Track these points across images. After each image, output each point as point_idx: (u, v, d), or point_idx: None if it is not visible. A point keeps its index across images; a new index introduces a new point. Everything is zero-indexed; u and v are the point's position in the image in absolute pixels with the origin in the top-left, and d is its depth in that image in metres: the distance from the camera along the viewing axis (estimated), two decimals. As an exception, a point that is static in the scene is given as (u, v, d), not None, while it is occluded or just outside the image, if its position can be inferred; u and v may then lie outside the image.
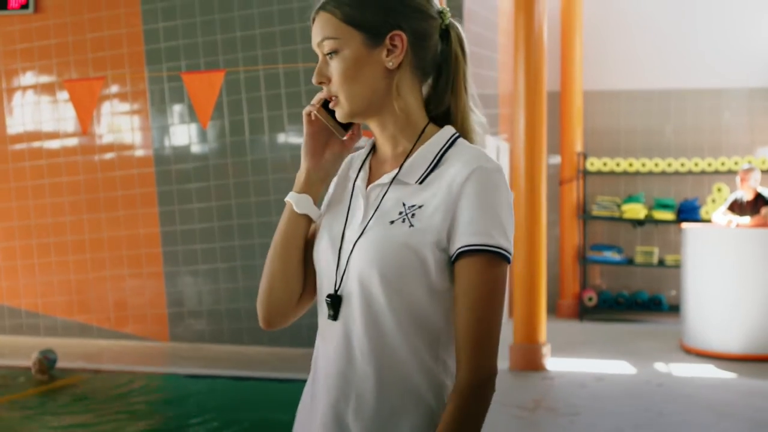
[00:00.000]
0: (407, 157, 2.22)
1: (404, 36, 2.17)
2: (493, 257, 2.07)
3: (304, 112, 2.31)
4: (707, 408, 8.15)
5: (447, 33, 2.23)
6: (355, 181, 2.30)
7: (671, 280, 13.30)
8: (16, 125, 11.61)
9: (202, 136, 11.00)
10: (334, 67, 2.20)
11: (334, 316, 2.20)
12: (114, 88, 11.23)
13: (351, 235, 2.20)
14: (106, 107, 11.29)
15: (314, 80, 2.23)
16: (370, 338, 2.14)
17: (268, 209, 10.74)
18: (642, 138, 13.64)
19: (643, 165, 13.17)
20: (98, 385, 9.16)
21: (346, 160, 2.41)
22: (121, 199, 11.21)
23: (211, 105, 8.13)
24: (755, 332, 10.20)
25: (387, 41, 2.17)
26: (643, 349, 10.90)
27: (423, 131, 2.24)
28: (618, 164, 13.26)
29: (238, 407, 8.45)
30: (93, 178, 11.32)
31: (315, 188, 2.34)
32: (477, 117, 2.27)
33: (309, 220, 2.34)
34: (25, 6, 11.30)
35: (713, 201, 12.74)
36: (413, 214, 2.13)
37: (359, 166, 2.34)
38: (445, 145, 2.19)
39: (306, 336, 10.45)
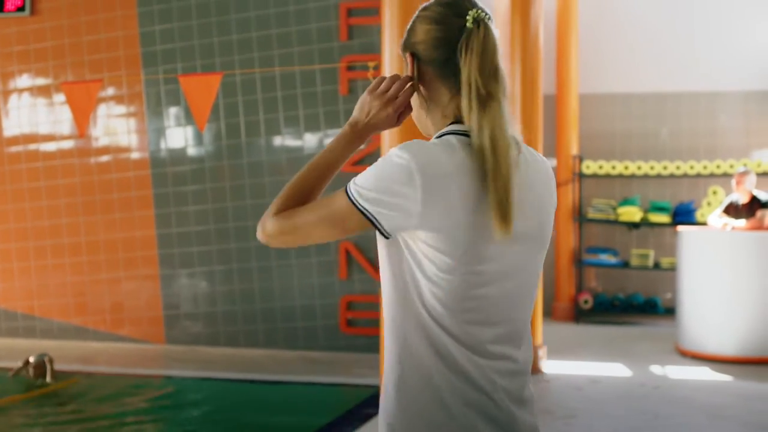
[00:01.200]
0: None
1: (410, 58, 2.49)
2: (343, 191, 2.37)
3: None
4: (703, 411, 8.17)
5: (470, 30, 2.37)
6: None
7: (667, 283, 13.32)
8: (12, 127, 11.62)
9: (198, 139, 11.01)
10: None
11: None
12: (110, 91, 11.24)
13: None
14: (102, 110, 11.30)
15: None
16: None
17: (265, 211, 10.73)
18: (637, 141, 13.66)
19: (639, 168, 13.19)
20: (94, 388, 9.16)
21: None
22: (118, 201, 11.22)
23: (208, 107, 8.14)
24: (751, 335, 10.22)
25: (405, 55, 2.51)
26: (638, 352, 10.92)
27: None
28: (614, 167, 13.28)
29: (234, 409, 8.46)
30: (89, 180, 11.32)
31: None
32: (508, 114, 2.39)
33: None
34: (21, 8, 11.30)
35: (708, 204, 12.76)
36: None
37: None
38: None
39: (302, 339, 10.48)
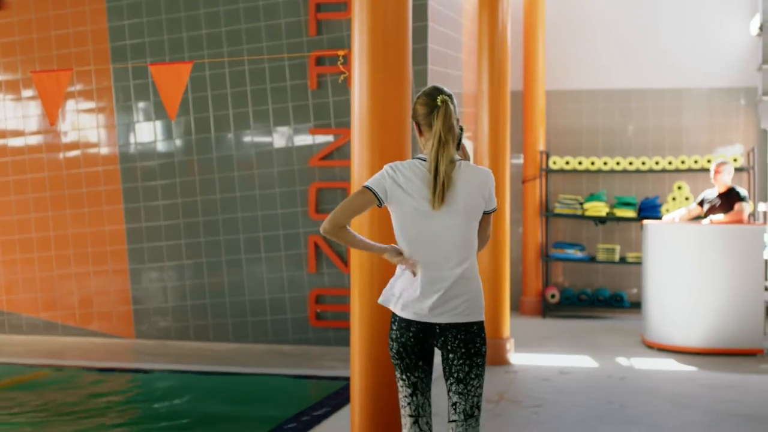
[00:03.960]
0: None
1: (415, 124, 4.46)
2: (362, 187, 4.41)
3: None
4: (669, 400, 8.28)
5: (436, 107, 4.36)
6: None
7: (633, 278, 13.46)
8: (-20, 122, 11.58)
9: (168, 133, 11.02)
10: None
11: None
12: (79, 86, 11.23)
13: None
14: (71, 105, 11.29)
15: None
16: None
17: (234, 206, 10.79)
18: (604, 137, 13.80)
19: (605, 163, 13.31)
20: (62, 381, 9.16)
21: None
22: (87, 196, 11.22)
23: (178, 96, 8.16)
24: (715, 326, 10.35)
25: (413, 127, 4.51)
26: (605, 344, 11.04)
27: None
28: (580, 163, 13.40)
29: (203, 400, 8.48)
30: (58, 175, 11.31)
31: None
32: (453, 149, 4.33)
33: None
34: (-11, 3, 11.27)
35: (673, 199, 12.90)
36: None
37: None
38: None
39: (271, 332, 10.52)
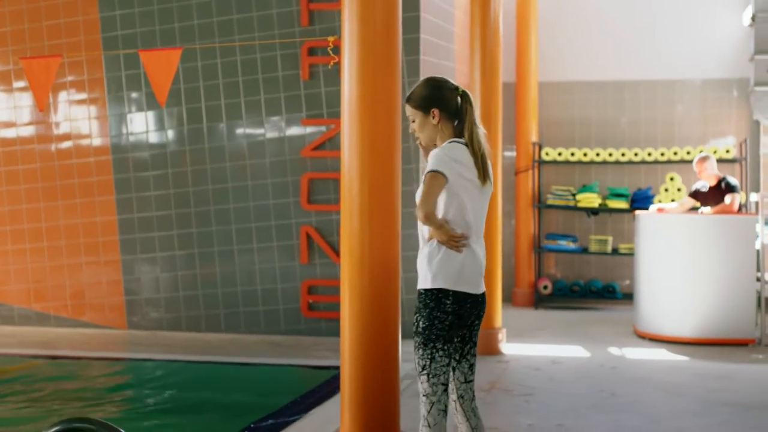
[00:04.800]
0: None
1: (437, 110, 4.72)
2: (426, 174, 4.58)
3: (418, 142, 4.84)
4: (660, 389, 8.29)
5: (462, 97, 4.75)
6: None
7: (625, 269, 13.48)
8: (-29, 113, 11.56)
9: (160, 124, 11.01)
10: (415, 126, 4.77)
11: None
12: (71, 77, 11.21)
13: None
14: (63, 95, 11.27)
15: (412, 132, 4.80)
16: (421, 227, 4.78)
17: (226, 196, 10.78)
18: (596, 128, 13.81)
19: (597, 155, 13.32)
20: (54, 370, 9.17)
21: None
22: (78, 186, 11.20)
23: (168, 83, 8.12)
24: (707, 316, 10.37)
25: (430, 113, 4.72)
26: (597, 335, 11.06)
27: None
28: (572, 154, 13.41)
29: (195, 389, 8.49)
30: (50, 166, 11.30)
31: None
32: (482, 132, 4.72)
33: None
34: (-20, -7, 11.25)
35: (666, 190, 12.91)
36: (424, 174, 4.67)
37: None
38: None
39: (263, 323, 10.53)
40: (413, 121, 4.77)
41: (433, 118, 4.71)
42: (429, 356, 4.59)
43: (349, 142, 5.98)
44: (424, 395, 4.61)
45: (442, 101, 4.72)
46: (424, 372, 4.60)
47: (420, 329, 4.59)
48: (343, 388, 6.01)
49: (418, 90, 4.78)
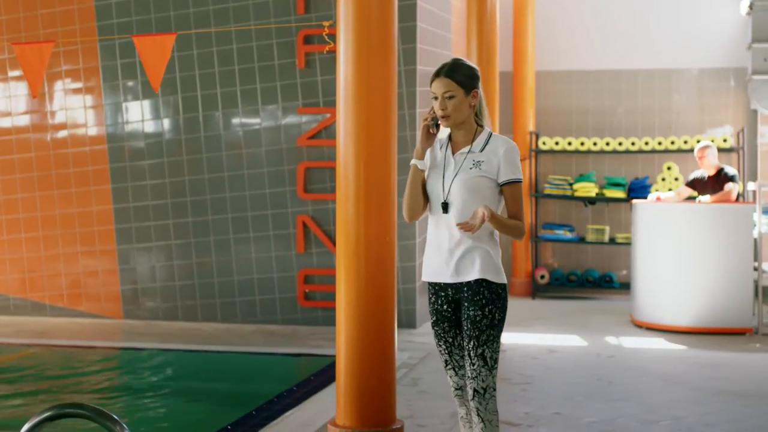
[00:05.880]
0: (473, 141, 4.64)
1: (478, 91, 4.65)
2: (517, 182, 4.58)
3: (424, 125, 4.65)
4: (657, 377, 8.28)
5: None
6: (445, 152, 4.67)
7: (622, 258, 13.45)
8: (-34, 102, 11.52)
9: (156, 113, 10.97)
10: (451, 103, 4.57)
11: (445, 211, 4.59)
12: (66, 66, 11.17)
13: (449, 174, 4.61)
14: (59, 84, 11.23)
15: (441, 111, 4.57)
16: (461, 219, 4.51)
17: (222, 185, 10.75)
18: (593, 117, 13.77)
19: (595, 144, 13.29)
20: (49, 360, 9.16)
21: (435, 143, 4.74)
22: (74, 176, 11.17)
23: (162, 68, 8.06)
24: (704, 305, 10.35)
25: (471, 93, 4.61)
26: (594, 324, 11.04)
27: (476, 130, 4.69)
28: (569, 143, 13.38)
29: (191, 378, 8.48)
30: (45, 155, 11.26)
31: (423, 156, 4.69)
32: (488, 120, 4.71)
33: (422, 171, 4.68)
34: (-25, -18, 11.19)
35: (663, 179, 12.88)
36: (479, 165, 4.58)
37: (444, 146, 4.70)
38: (489, 135, 4.66)
39: (259, 312, 10.50)
40: (449, 98, 4.56)
41: (474, 98, 4.59)
42: (498, 350, 4.64)
43: (344, 131, 5.96)
44: (492, 389, 4.60)
45: (480, 84, 4.66)
46: (496, 366, 4.61)
47: (496, 321, 4.59)
48: (339, 378, 5.99)
49: (462, 66, 4.62)
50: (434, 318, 4.76)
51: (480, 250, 4.55)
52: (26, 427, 3.18)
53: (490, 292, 4.57)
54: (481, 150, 4.60)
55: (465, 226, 4.40)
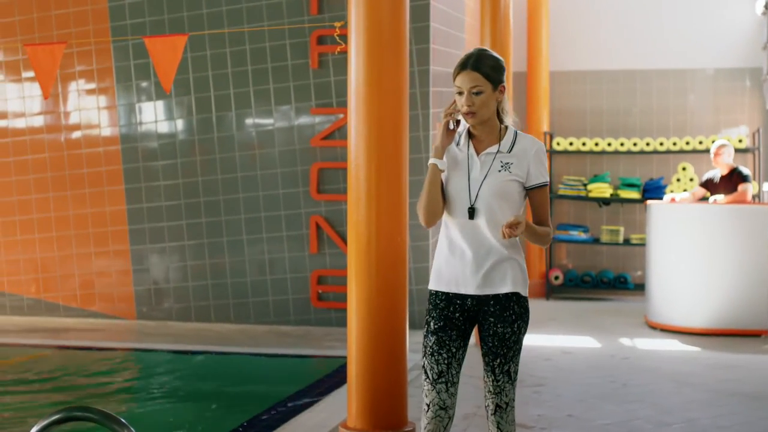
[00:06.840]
0: (500, 140, 4.33)
1: (504, 87, 4.31)
2: (546, 186, 4.34)
3: (445, 122, 4.35)
4: (671, 379, 8.25)
5: None
6: (468, 151, 4.34)
7: (637, 259, 13.40)
8: (-20, 103, 11.54)
9: (169, 113, 10.97)
10: (479, 99, 4.24)
11: (471, 217, 4.27)
12: (80, 66, 11.18)
13: (476, 177, 4.29)
14: (72, 85, 11.25)
15: (466, 107, 4.23)
16: (490, 226, 4.26)
17: (235, 186, 10.75)
18: (608, 118, 13.73)
19: (609, 144, 13.24)
20: (63, 360, 9.16)
21: (454, 141, 4.42)
22: (87, 176, 11.18)
23: (173, 69, 8.07)
24: (719, 307, 10.31)
25: (499, 87, 4.29)
26: (608, 325, 11.00)
27: (500, 128, 4.38)
28: (584, 144, 13.33)
29: (204, 379, 8.47)
30: (59, 155, 11.28)
31: (443, 155, 4.36)
32: (513, 118, 4.42)
33: (442, 171, 4.35)
34: (-11, -17, 11.21)
35: (678, 180, 12.83)
36: (509, 167, 4.28)
37: (465, 144, 4.37)
38: (516, 134, 4.37)
39: (272, 313, 10.50)
40: (477, 93, 4.22)
41: (501, 93, 4.27)
42: (519, 361, 4.47)
43: (356, 132, 5.94)
44: (513, 401, 4.41)
45: (505, 77, 4.33)
46: (517, 378, 4.45)
47: (522, 336, 4.39)
48: (350, 380, 5.97)
49: (488, 58, 4.29)
50: (440, 324, 4.34)
51: (512, 262, 4.27)
52: (34, 430, 3.17)
53: (519, 307, 4.33)
54: (509, 150, 4.28)
55: (508, 232, 4.08)
